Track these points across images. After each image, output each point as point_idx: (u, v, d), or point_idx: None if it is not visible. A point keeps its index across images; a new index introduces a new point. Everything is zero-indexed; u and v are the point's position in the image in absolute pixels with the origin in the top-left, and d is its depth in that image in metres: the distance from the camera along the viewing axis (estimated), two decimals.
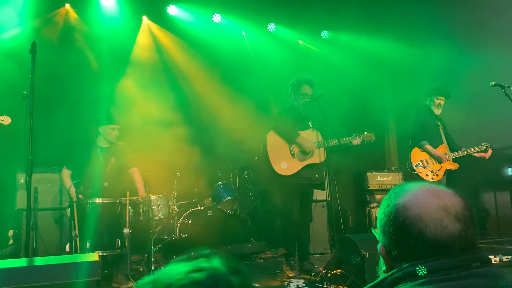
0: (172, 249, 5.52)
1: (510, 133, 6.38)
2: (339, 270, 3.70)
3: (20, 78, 4.83)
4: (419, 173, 5.23)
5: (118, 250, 4.26)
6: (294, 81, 4.75)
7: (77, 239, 4.09)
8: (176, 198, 5.60)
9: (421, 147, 5.31)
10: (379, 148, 8.28)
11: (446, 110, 5.53)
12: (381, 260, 1.08)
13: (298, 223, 4.59)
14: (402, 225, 1.00)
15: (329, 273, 3.76)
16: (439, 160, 5.29)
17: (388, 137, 8.72)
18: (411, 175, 5.35)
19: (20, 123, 3.70)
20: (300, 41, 8.16)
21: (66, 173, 4.76)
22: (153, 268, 4.32)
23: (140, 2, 6.87)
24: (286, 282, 4.05)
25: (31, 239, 4.35)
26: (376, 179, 7.11)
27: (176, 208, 5.44)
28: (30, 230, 4.03)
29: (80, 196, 4.22)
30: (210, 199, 6.32)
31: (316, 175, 4.65)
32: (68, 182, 4.67)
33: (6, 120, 4.16)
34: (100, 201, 4.32)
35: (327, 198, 6.17)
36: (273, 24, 7.68)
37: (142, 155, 5.19)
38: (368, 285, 1.04)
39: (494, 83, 4.84)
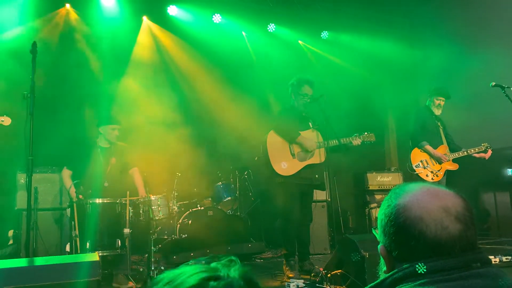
0: (172, 249, 5.53)
1: (510, 133, 6.38)
2: (339, 271, 3.70)
3: (21, 78, 4.83)
4: (419, 174, 5.23)
5: (118, 250, 4.26)
6: (294, 81, 4.75)
7: (77, 239, 4.09)
8: (176, 198, 5.60)
9: (421, 147, 5.31)
10: (379, 149, 8.29)
11: (446, 110, 5.54)
12: (382, 260, 1.08)
13: (298, 223, 4.59)
14: (402, 226, 1.01)
15: (329, 273, 3.77)
16: (439, 161, 5.30)
17: (388, 138, 8.72)
18: (411, 176, 5.35)
19: (20, 123, 3.71)
20: (300, 42, 8.16)
21: (66, 173, 4.75)
22: (153, 268, 4.32)
23: (140, 2, 6.88)
24: (286, 283, 4.06)
25: (31, 239, 4.35)
26: (376, 180, 7.11)
27: (176, 208, 5.45)
28: (30, 230, 4.02)
29: (80, 196, 4.22)
30: (210, 199, 6.32)
31: (316, 176, 4.65)
32: (68, 182, 4.67)
33: (7, 120, 4.17)
34: (100, 201, 4.32)
35: (327, 198, 6.17)
36: (273, 24, 7.69)
37: (143, 155, 5.19)
38: (369, 286, 1.04)
39: (494, 83, 4.84)
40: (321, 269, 4.01)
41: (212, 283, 0.78)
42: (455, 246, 0.97)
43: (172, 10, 7.13)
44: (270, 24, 7.67)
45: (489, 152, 5.39)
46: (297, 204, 4.53)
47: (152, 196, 4.62)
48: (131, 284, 4.29)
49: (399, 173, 7.19)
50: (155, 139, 5.92)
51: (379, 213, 1.10)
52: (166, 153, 5.69)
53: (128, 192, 4.40)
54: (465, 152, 5.38)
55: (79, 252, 4.04)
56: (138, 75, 6.61)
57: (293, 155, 4.57)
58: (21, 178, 5.34)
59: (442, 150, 5.37)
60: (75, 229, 4.11)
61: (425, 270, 0.95)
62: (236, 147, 6.77)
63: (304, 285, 3.94)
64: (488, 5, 6.97)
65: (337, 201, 4.63)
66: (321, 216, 6.16)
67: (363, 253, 3.43)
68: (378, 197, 7.03)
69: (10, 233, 5.44)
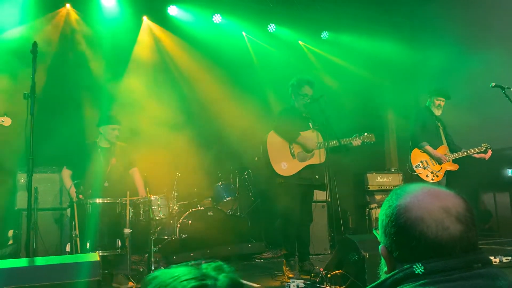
0: (172, 249, 5.53)
1: (510, 134, 6.38)
2: (339, 271, 3.70)
3: (21, 78, 4.83)
4: (419, 174, 5.23)
5: (118, 250, 4.26)
6: (295, 81, 4.75)
7: (78, 239, 4.09)
8: (176, 199, 5.61)
9: (421, 148, 5.32)
10: (379, 149, 8.29)
11: (446, 111, 5.54)
12: (383, 261, 1.09)
13: (298, 223, 4.59)
14: (403, 226, 1.01)
15: (329, 273, 3.77)
16: (439, 161, 5.30)
17: (388, 138, 8.73)
18: (411, 176, 5.35)
19: (21, 123, 3.71)
20: (300, 42, 8.16)
21: (66, 173, 4.75)
22: (153, 268, 4.32)
23: (141, 2, 6.88)
24: (286, 283, 4.05)
25: (31, 239, 4.35)
26: (376, 180, 7.11)
27: (176, 208, 5.46)
28: (30, 230, 4.02)
29: (81, 196, 4.22)
30: (210, 199, 6.32)
31: (317, 176, 4.65)
32: (68, 182, 4.67)
33: (7, 121, 4.17)
34: (101, 201, 4.32)
35: (327, 198, 6.17)
36: (273, 24, 7.69)
37: (143, 155, 5.19)
38: (369, 286, 1.04)
39: (494, 84, 4.84)
40: (321, 269, 4.01)
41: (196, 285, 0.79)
42: (456, 246, 0.97)
43: (172, 10, 7.13)
44: (270, 24, 7.68)
45: (489, 152, 5.39)
46: (297, 204, 4.53)
47: (152, 196, 4.62)
48: (131, 284, 4.29)
49: (399, 174, 7.19)
50: (155, 139, 5.93)
51: (380, 214, 1.10)
52: (166, 153, 5.70)
53: (128, 192, 4.40)
54: (465, 153, 5.39)
55: (79, 252, 4.04)
56: (138, 75, 6.62)
57: (293, 155, 4.57)
58: (21, 178, 5.35)
59: (442, 151, 5.37)
60: (75, 229, 4.11)
61: (423, 271, 0.95)
62: (236, 147, 6.77)
63: (304, 285, 3.94)
64: (488, 5, 6.98)
65: (337, 201, 4.63)
66: (321, 216, 6.16)
67: (363, 253, 3.43)
68: (378, 197, 7.04)
69: (10, 233, 5.44)
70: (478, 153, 5.40)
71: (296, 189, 4.53)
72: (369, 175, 7.10)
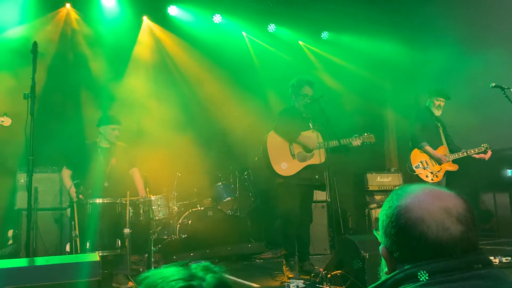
0: (172, 249, 5.53)
1: (510, 134, 6.38)
2: (339, 271, 3.70)
3: (21, 78, 4.83)
4: (419, 174, 5.23)
5: (118, 250, 4.26)
6: (295, 82, 4.75)
7: (77, 239, 4.09)
8: (176, 199, 5.61)
9: (421, 148, 5.32)
10: (379, 149, 8.29)
11: (446, 111, 5.54)
12: (383, 261, 1.09)
13: (298, 223, 4.59)
14: (404, 227, 1.01)
15: (329, 274, 3.77)
16: (439, 161, 5.30)
17: (388, 138, 8.73)
18: (411, 176, 5.35)
19: (21, 123, 3.71)
20: (300, 42, 8.17)
21: (66, 173, 4.75)
22: (153, 268, 4.32)
23: (141, 2, 6.88)
24: (286, 283, 4.05)
25: (31, 239, 4.35)
26: (376, 180, 7.12)
27: (176, 208, 5.46)
28: (30, 230, 4.02)
29: (81, 196, 4.22)
30: (210, 199, 6.32)
31: (317, 176, 4.65)
32: (68, 182, 4.66)
33: (7, 121, 4.17)
34: (101, 201, 4.32)
35: (327, 198, 6.17)
36: (273, 24, 7.69)
37: (143, 156, 5.19)
38: (370, 287, 1.04)
39: (494, 84, 4.84)
40: (321, 270, 4.01)
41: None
42: (457, 247, 0.97)
43: (172, 10, 7.13)
44: (270, 24, 7.68)
45: (489, 153, 5.39)
46: (297, 204, 4.53)
47: (152, 196, 4.62)
48: (131, 284, 4.29)
49: (399, 174, 7.20)
50: (155, 139, 5.93)
51: (381, 214, 1.10)
52: (166, 153, 5.70)
53: (128, 192, 4.40)
54: (465, 153, 5.39)
55: (79, 252, 4.04)
56: (138, 75, 6.62)
57: (293, 155, 4.57)
58: (21, 178, 5.35)
59: (442, 151, 5.37)
60: (75, 229, 4.11)
61: (427, 278, 0.95)
62: (236, 147, 6.78)
63: (304, 285, 3.94)
64: (489, 5, 6.98)
65: (337, 201, 4.63)
66: (321, 217, 6.16)
67: (363, 254, 3.43)
68: (378, 197, 7.04)
69: (10, 233, 5.45)
70: (478, 153, 5.40)
71: (296, 189, 4.53)
72: (369, 175, 7.10)
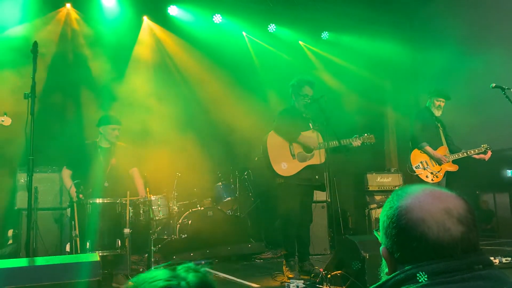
0: (172, 249, 5.53)
1: (510, 134, 6.38)
2: (339, 271, 3.70)
3: (22, 77, 4.83)
4: (419, 175, 5.23)
5: (118, 250, 4.26)
6: (295, 82, 4.75)
7: (77, 239, 4.08)
8: (176, 199, 5.61)
9: (421, 148, 5.31)
10: (379, 149, 8.30)
11: (446, 111, 5.54)
12: (384, 262, 1.08)
13: (298, 224, 4.58)
14: (404, 227, 1.01)
15: (329, 274, 3.76)
16: (439, 162, 5.30)
17: (388, 139, 8.73)
18: (411, 177, 5.35)
19: (21, 123, 3.70)
20: (300, 42, 8.17)
21: (66, 173, 4.75)
22: (153, 268, 4.32)
23: (141, 2, 6.88)
24: (286, 283, 4.05)
25: (31, 239, 4.35)
26: (376, 180, 7.12)
27: (176, 208, 5.46)
28: (30, 230, 4.02)
29: (81, 196, 4.22)
30: (210, 199, 6.32)
31: (317, 176, 4.65)
32: (68, 182, 4.66)
33: (7, 121, 4.17)
34: (101, 201, 4.32)
35: (327, 199, 6.17)
36: (273, 24, 7.69)
37: (143, 156, 5.19)
38: (371, 287, 1.04)
39: (494, 85, 4.83)
40: (321, 270, 4.01)
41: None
42: (457, 248, 0.97)
43: (173, 10, 7.14)
44: (271, 24, 7.68)
45: (489, 153, 5.38)
46: (297, 204, 4.53)
47: (152, 196, 4.62)
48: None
49: (399, 174, 7.20)
50: (155, 139, 5.93)
51: (381, 215, 1.10)
52: (166, 153, 5.70)
53: (128, 192, 4.40)
54: (465, 153, 5.39)
55: (79, 252, 4.04)
56: (138, 75, 6.62)
57: (293, 155, 4.57)
58: (21, 178, 5.35)
59: (442, 151, 5.37)
60: (75, 229, 4.11)
61: (426, 280, 0.95)
62: (236, 147, 6.78)
63: (304, 285, 3.94)
64: (489, 6, 6.98)
65: (337, 201, 4.63)
66: (321, 217, 6.16)
67: (363, 254, 3.43)
68: (378, 198, 7.04)
69: (10, 232, 5.44)
70: (478, 154, 5.40)
71: (296, 189, 4.53)
72: (369, 176, 7.10)
